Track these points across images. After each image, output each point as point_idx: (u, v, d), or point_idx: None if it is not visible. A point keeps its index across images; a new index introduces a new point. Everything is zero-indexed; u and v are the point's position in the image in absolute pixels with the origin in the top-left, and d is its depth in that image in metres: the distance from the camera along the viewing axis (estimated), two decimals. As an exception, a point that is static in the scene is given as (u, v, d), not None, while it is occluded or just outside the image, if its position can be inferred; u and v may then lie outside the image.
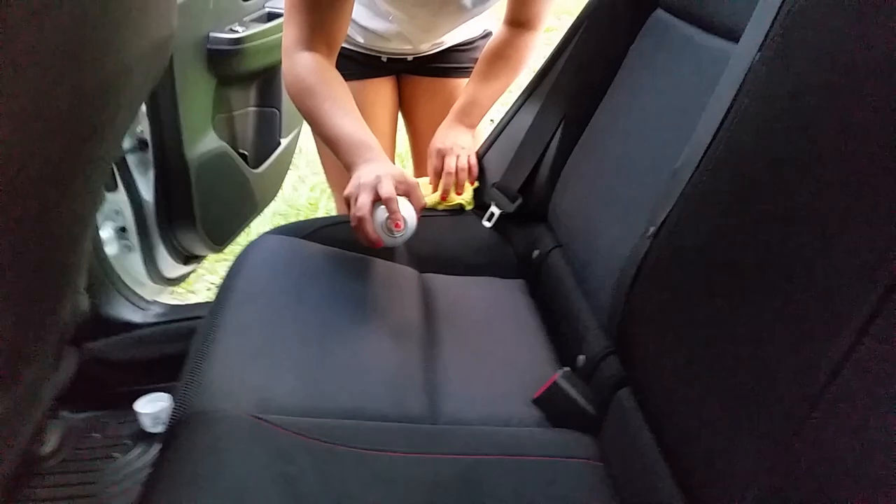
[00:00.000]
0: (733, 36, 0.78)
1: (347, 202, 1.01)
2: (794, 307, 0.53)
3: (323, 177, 2.70)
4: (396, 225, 0.98)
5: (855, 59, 0.53)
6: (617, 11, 1.09)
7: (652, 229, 0.77)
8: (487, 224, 1.28)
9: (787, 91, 0.62)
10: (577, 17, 1.21)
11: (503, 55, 1.31)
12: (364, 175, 0.99)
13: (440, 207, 1.34)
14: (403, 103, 1.57)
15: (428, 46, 1.42)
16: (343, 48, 1.37)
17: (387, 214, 0.98)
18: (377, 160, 1.03)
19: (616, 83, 1.09)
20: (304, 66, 1.08)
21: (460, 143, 1.30)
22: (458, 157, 1.29)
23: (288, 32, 1.09)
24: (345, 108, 1.08)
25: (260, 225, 2.27)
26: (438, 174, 1.30)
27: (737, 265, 0.61)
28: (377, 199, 0.98)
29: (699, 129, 0.74)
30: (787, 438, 0.51)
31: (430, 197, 1.34)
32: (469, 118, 1.32)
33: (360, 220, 0.97)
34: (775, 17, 0.67)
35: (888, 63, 0.49)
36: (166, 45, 0.88)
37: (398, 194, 0.99)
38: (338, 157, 1.08)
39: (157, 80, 0.94)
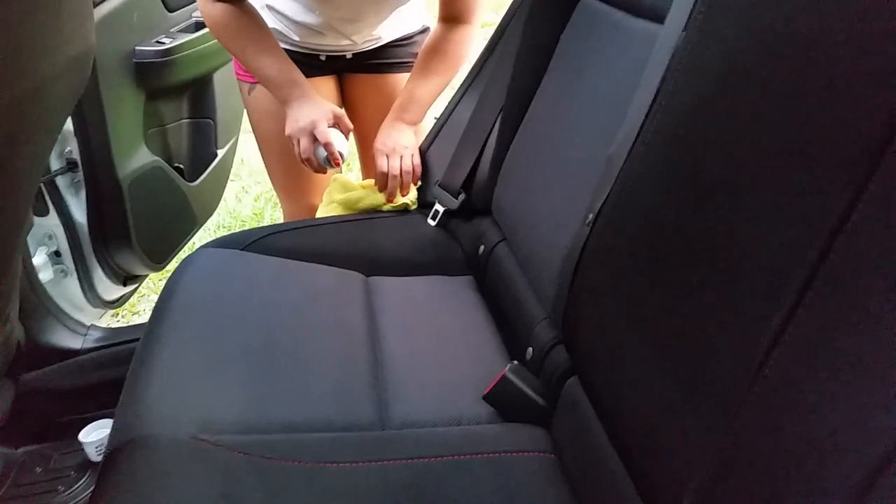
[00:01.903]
0: (659, 18, 0.78)
1: (290, 141, 1.22)
2: (728, 285, 0.53)
3: (267, 186, 2.67)
4: (336, 163, 1.20)
5: (776, 33, 0.53)
6: (546, 1, 1.09)
7: (591, 216, 0.76)
8: (432, 222, 1.26)
9: (712, 68, 0.61)
10: (509, 9, 1.21)
11: (439, 50, 1.31)
12: (301, 118, 1.19)
13: (385, 208, 1.32)
14: (346, 102, 1.54)
15: (363, 40, 1.40)
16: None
17: (325, 154, 1.19)
18: (306, 96, 1.21)
19: (550, 72, 1.09)
20: (223, 15, 1.19)
21: (403, 142, 1.28)
22: (401, 157, 1.27)
23: None
24: (267, 47, 1.22)
25: (203, 239, 2.21)
26: (384, 177, 1.29)
27: (672, 246, 0.61)
28: (316, 140, 1.19)
29: (630, 114, 0.74)
30: (729, 418, 0.50)
31: (376, 197, 1.32)
32: (410, 115, 1.31)
33: (306, 160, 1.22)
34: (697, -3, 0.67)
35: (812, 35, 0.49)
36: (84, 61, 0.84)
37: (330, 125, 1.20)
38: (270, 92, 1.26)
39: (76, 97, 0.91)
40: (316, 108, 1.20)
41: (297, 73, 1.23)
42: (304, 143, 1.19)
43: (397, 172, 1.27)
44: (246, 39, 1.21)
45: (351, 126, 1.25)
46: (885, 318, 0.40)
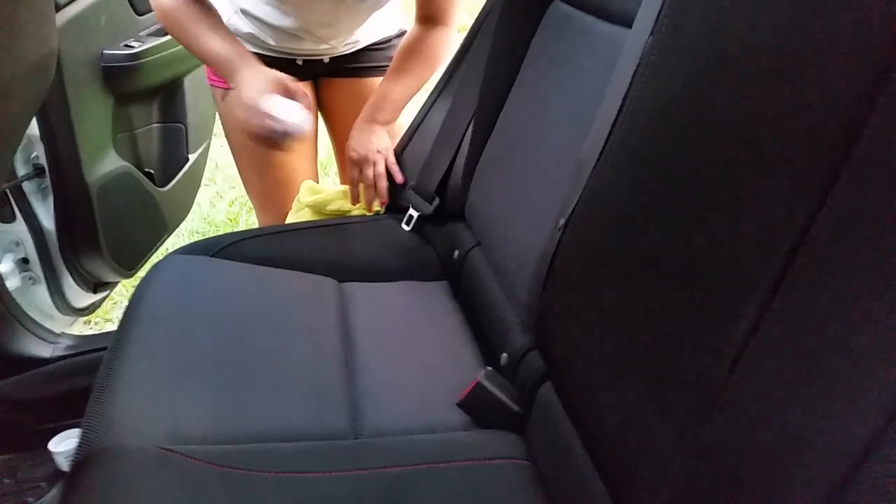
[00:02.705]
0: (627, 22, 0.78)
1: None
2: (698, 285, 0.53)
3: (241, 191, 2.64)
4: (288, 133, 1.03)
5: (738, 41, 0.53)
6: (516, 5, 1.09)
7: (561, 222, 0.76)
8: (406, 227, 1.26)
9: (676, 74, 0.61)
10: (480, 12, 1.20)
11: (415, 51, 1.30)
12: (243, 91, 1.05)
13: (354, 212, 1.31)
14: (323, 107, 1.53)
15: (341, 43, 1.39)
16: (255, 53, 1.32)
17: (282, 125, 1.02)
18: (252, 68, 1.09)
19: (521, 77, 1.09)
20: (170, 4, 1.13)
21: (375, 145, 1.27)
22: (374, 164, 1.26)
23: None
24: (213, 28, 1.13)
25: (176, 245, 2.19)
26: (356, 183, 1.28)
27: (641, 248, 0.61)
28: (268, 115, 1.02)
29: (599, 118, 0.74)
30: (699, 422, 0.50)
31: (346, 200, 1.31)
32: (383, 115, 1.29)
33: (257, 138, 1.06)
34: (664, 1, 0.67)
35: (773, 44, 0.49)
36: (45, 65, 0.83)
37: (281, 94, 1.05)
38: (216, 71, 1.21)
39: (38, 102, 0.89)
40: (259, 76, 1.07)
41: (244, 49, 1.13)
42: (255, 120, 1.03)
43: (371, 182, 1.26)
44: (193, 23, 1.13)
45: (303, 90, 1.09)
46: (858, 314, 0.40)
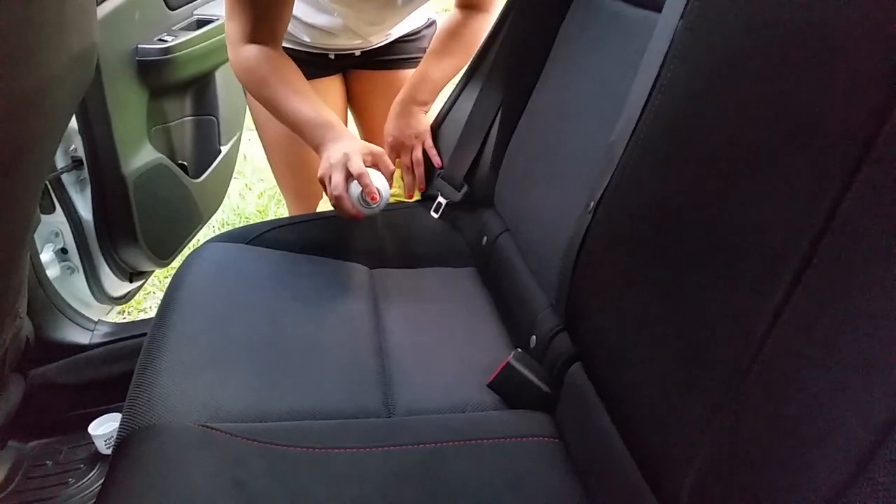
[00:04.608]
0: (657, 6, 0.79)
1: (322, 183, 1.06)
2: (727, 264, 0.54)
3: (270, 183, 2.68)
4: (372, 197, 1.03)
5: (769, 21, 0.54)
6: (544, -8, 1.10)
7: (592, 204, 0.77)
8: (435, 215, 1.27)
9: (708, 55, 0.62)
10: (508, 1, 1.21)
11: (456, 33, 1.30)
12: (333, 155, 1.04)
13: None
14: (353, 100, 1.55)
15: (379, 38, 1.40)
16: (289, 49, 1.33)
17: (360, 189, 1.03)
18: (341, 138, 1.08)
19: (550, 63, 1.10)
20: (253, 58, 1.11)
21: (413, 129, 1.29)
22: (412, 149, 1.28)
23: (231, 26, 1.11)
24: (299, 91, 1.12)
25: (207, 236, 2.23)
26: (389, 175, 1.30)
27: (672, 229, 0.62)
28: (349, 176, 1.03)
29: (630, 101, 0.75)
30: (731, 397, 0.51)
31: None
32: (422, 95, 1.29)
33: (338, 198, 1.03)
34: (694, -16, 0.68)
35: (804, 22, 0.50)
36: (88, 57, 0.85)
37: (367, 166, 1.05)
38: (304, 140, 1.12)
39: (82, 94, 0.91)
40: (351, 143, 1.07)
41: (332, 115, 1.12)
42: (336, 177, 1.03)
43: (409, 167, 1.28)
44: (279, 82, 1.12)
45: (392, 168, 1.11)
46: (886, 290, 0.41)
